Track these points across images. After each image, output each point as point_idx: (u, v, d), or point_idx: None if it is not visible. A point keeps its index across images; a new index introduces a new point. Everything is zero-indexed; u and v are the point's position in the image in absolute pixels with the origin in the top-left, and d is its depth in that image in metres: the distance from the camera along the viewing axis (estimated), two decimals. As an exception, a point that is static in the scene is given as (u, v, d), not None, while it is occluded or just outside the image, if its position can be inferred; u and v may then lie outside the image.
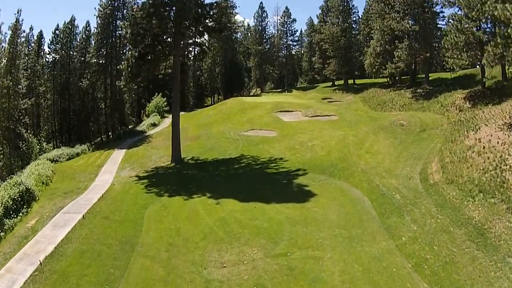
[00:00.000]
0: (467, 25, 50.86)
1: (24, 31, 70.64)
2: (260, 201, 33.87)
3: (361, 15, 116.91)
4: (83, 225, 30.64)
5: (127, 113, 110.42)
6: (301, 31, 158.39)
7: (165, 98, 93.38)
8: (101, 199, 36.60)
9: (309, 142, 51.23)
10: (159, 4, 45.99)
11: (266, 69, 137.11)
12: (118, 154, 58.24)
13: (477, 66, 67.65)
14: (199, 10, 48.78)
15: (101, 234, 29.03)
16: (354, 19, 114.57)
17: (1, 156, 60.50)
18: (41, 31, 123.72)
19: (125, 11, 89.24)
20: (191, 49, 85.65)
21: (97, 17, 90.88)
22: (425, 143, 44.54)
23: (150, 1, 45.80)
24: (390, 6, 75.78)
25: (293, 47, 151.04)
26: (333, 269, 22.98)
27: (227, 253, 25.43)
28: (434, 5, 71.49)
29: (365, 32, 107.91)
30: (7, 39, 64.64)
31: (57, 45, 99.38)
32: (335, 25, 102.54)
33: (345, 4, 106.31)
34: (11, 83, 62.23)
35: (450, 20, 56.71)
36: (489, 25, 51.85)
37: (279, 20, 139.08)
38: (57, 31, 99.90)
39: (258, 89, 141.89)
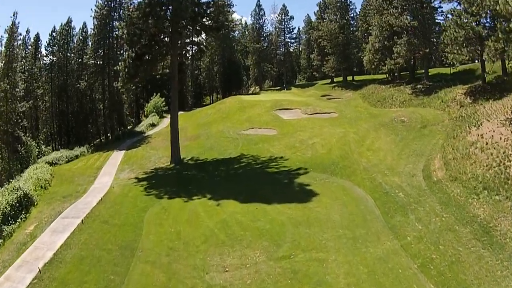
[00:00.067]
0: (466, 20, 50.44)
1: (20, 34, 70.35)
2: (262, 201, 33.44)
3: (359, 12, 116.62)
4: (82, 230, 30.20)
5: (125, 114, 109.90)
6: (298, 28, 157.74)
7: (163, 98, 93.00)
8: (100, 202, 36.16)
9: (309, 140, 50.81)
10: (155, 4, 45.53)
11: (265, 67, 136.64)
12: (117, 156, 57.79)
13: (476, 61, 67.37)
14: (196, 9, 48.30)
15: (101, 239, 28.58)
16: (352, 15, 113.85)
17: (0, 160, 60.07)
18: (37, 33, 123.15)
19: (121, 11, 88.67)
20: (188, 48, 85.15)
21: (93, 18, 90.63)
22: (427, 139, 44.19)
23: (146, 1, 45.34)
24: (388, 2, 75.45)
25: (291, 45, 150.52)
26: (337, 271, 22.55)
27: (229, 257, 25.00)
28: (432, 0, 71.27)
29: (363, 29, 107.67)
30: (3, 42, 64.29)
31: (54, 47, 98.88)
32: (333, 22, 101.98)
33: (343, 0, 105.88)
34: (8, 86, 61.65)
35: (449, 15, 56.44)
36: (488, 20, 51.52)
37: (277, 17, 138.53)
38: (53, 33, 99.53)
39: (256, 87, 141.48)
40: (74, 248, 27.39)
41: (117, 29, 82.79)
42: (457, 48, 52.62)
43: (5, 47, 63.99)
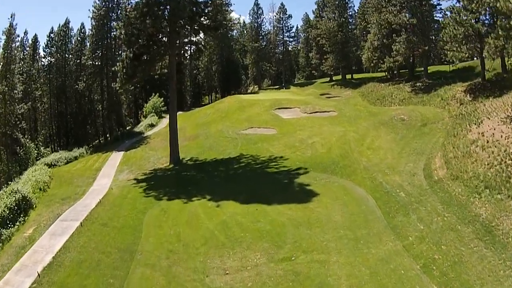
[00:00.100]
0: (466, 18, 50.20)
1: (18, 36, 69.91)
2: (262, 202, 33.21)
3: (357, 10, 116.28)
4: (81, 233, 29.95)
5: (124, 114, 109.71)
6: (297, 27, 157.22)
7: (162, 98, 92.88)
8: (99, 204, 35.90)
9: (309, 139, 50.56)
10: (153, 4, 45.32)
11: (263, 66, 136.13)
12: (116, 157, 57.58)
13: (475, 58, 67.20)
14: (194, 8, 48.04)
15: (100, 242, 28.34)
16: (350, 13, 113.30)
17: (-1, 162, 60.04)
18: (35, 34, 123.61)
19: (119, 12, 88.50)
20: (187, 48, 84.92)
21: (91, 18, 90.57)
22: (427, 137, 43.98)
23: (144, 1, 45.16)
24: (386, 0, 74.99)
25: (290, 43, 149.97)
26: (339, 273, 22.31)
27: (230, 259, 24.77)
28: (431, -2, 70.90)
29: (361, 27, 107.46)
30: (1, 44, 64.16)
31: (52, 48, 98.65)
32: (331, 20, 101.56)
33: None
34: (7, 88, 61.46)
35: (448, 13, 56.18)
36: (487, 17, 51.46)
37: (275, 16, 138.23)
38: (51, 34, 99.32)
39: (255, 86, 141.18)
40: (73, 251, 27.16)
41: (115, 30, 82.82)
42: (457, 45, 52.46)
43: (3, 49, 63.89)
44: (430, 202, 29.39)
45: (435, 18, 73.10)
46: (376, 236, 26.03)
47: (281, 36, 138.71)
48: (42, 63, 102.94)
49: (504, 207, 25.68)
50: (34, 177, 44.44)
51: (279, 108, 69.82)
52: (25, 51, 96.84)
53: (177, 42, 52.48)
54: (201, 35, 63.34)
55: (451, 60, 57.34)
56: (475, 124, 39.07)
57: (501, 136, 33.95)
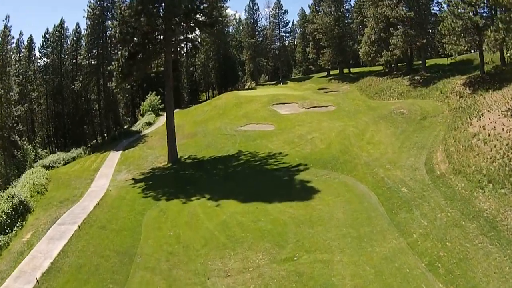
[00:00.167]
0: (463, 10, 49.82)
1: (13, 37, 69.55)
2: (262, 200, 32.83)
3: (354, 4, 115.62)
4: (79, 236, 29.47)
5: (121, 113, 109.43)
6: (293, 22, 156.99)
7: (159, 96, 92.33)
8: (97, 207, 35.42)
9: (308, 135, 50.22)
10: (147, 1, 44.83)
11: (260, 62, 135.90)
12: (114, 157, 57.14)
13: (472, 52, 66.82)
14: (189, 5, 47.50)
15: (98, 246, 27.86)
16: (347, 7, 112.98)
17: (-3, 165, 59.57)
18: (31, 36, 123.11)
19: (114, 11, 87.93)
20: (183, 45, 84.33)
21: (86, 18, 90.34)
22: (427, 131, 43.58)
23: (138, -1, 44.62)
24: (383, -7, 74.50)
25: (286, 39, 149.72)
26: (343, 273, 21.88)
27: (231, 260, 24.34)
28: (428, -9, 70.51)
29: (358, 21, 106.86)
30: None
31: (48, 49, 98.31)
32: (327, 15, 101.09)
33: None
34: (3, 90, 60.93)
35: (444, 5, 55.83)
36: (485, 10, 50.99)
37: (271, 12, 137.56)
38: (47, 35, 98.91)
39: (252, 82, 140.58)
40: (72, 256, 26.67)
41: (110, 29, 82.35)
42: (455, 38, 52.01)
43: (-2, 51, 63.35)
44: (433, 198, 28.96)
45: (432, 11, 72.89)
46: (380, 234, 25.58)
47: (278, 32, 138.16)
48: (38, 64, 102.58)
49: (508, 201, 25.28)
50: (31, 180, 43.92)
51: (277, 104, 69.62)
52: (20, 52, 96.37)
53: (173, 39, 52.00)
54: (197, 32, 62.90)
55: (449, 53, 56.91)
56: (476, 117, 38.68)
57: (503, 129, 33.57)
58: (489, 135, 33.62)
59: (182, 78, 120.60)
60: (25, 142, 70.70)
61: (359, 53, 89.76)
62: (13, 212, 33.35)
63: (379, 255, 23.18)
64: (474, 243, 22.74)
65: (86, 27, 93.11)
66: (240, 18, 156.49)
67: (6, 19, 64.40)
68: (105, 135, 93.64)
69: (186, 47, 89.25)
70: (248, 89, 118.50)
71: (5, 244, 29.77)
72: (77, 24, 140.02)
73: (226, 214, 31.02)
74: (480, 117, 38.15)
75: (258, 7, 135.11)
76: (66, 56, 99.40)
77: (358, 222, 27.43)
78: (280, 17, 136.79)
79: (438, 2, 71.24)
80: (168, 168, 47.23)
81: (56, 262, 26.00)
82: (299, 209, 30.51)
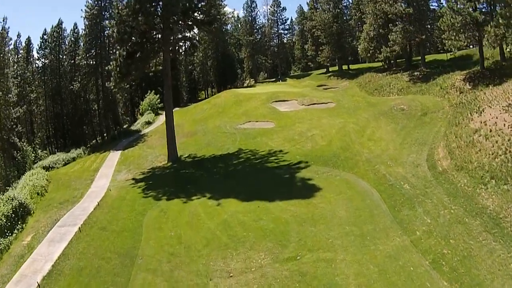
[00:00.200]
0: (463, 6, 49.64)
1: (11, 39, 69.14)
2: (263, 199, 32.65)
3: (352, 0, 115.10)
4: (80, 238, 29.18)
5: (121, 113, 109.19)
6: (291, 19, 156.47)
7: (158, 95, 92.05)
8: (97, 207, 35.12)
9: (308, 132, 50.03)
10: (145, 0, 44.50)
11: (259, 59, 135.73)
12: (114, 156, 56.86)
13: (471, 47, 66.59)
14: (187, 3, 47.27)
15: (99, 248, 27.59)
16: (345, 4, 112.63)
17: (-2, 167, 59.29)
18: (29, 37, 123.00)
19: (111, 10, 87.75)
20: (181, 44, 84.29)
21: (84, 18, 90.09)
22: (428, 127, 43.42)
23: (135, -2, 44.36)
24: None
25: (285, 36, 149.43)
26: (347, 272, 21.69)
27: (233, 261, 24.13)
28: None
29: (356, 17, 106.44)
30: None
31: (46, 50, 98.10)
32: (326, 12, 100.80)
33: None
34: (1, 92, 60.56)
35: (443, 1, 55.61)
36: (485, 5, 50.78)
37: (269, 9, 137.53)
38: (45, 36, 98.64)
39: (251, 80, 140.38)
40: (73, 258, 26.39)
41: (108, 28, 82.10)
42: (454, 34, 51.79)
43: (-4, 53, 62.99)
44: (435, 194, 28.78)
45: (430, 7, 72.60)
46: (383, 232, 25.40)
47: (276, 29, 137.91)
48: (36, 65, 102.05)
49: (511, 198, 25.12)
50: (31, 181, 43.60)
51: (276, 101, 69.40)
52: (18, 54, 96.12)
53: (171, 38, 51.73)
54: (195, 30, 62.76)
55: (449, 49, 56.68)
56: (477, 112, 38.49)
57: (504, 125, 33.40)
58: (490, 131, 33.46)
59: (181, 76, 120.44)
60: (24, 144, 70.35)
61: (358, 49, 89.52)
62: (13, 215, 33.00)
63: (383, 253, 23.00)
64: (477, 240, 22.59)
65: (84, 27, 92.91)
66: (238, 16, 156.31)
67: (3, 20, 63.81)
68: (105, 135, 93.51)
69: (185, 45, 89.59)
70: (247, 86, 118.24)
71: (6, 247, 29.43)
72: (75, 24, 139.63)
73: (228, 213, 30.82)
74: (481, 113, 37.94)
75: (256, 4, 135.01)
76: (64, 57, 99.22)
77: (360, 220, 27.25)
78: (278, 15, 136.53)
79: (437, -3, 71.03)
80: (168, 167, 47.01)
81: (57, 265, 25.73)
82: (301, 207, 30.32)
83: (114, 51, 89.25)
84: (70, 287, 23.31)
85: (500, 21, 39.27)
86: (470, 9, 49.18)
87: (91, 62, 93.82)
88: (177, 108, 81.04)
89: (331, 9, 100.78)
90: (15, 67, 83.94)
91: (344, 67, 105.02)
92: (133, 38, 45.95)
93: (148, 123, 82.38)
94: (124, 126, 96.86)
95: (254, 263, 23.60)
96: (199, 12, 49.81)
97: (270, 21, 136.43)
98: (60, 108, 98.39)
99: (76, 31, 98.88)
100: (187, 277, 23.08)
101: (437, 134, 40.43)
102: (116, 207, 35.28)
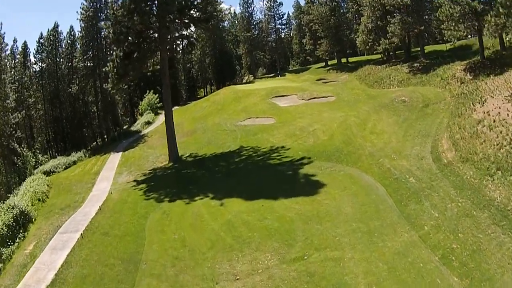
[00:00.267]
0: (461, -5, 49.14)
1: (7, 44, 68.87)
2: (267, 197, 32.10)
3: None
4: (82, 245, 28.72)
5: (120, 114, 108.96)
6: (288, 14, 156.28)
7: (157, 95, 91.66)
8: (99, 212, 34.63)
9: (309, 127, 49.54)
10: (140, 0, 44.04)
11: (257, 55, 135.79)
12: (114, 158, 56.49)
13: (470, 36, 66.05)
14: (183, 1, 46.75)
15: (102, 254, 27.12)
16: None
17: (-2, 174, 58.98)
18: (25, 41, 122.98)
19: (107, 11, 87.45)
20: (178, 42, 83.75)
21: (80, 20, 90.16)
22: (431, 118, 42.97)
23: (130, -3, 43.89)
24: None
25: (282, 31, 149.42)
26: (356, 270, 21.20)
27: (239, 263, 23.64)
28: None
29: (353, 10, 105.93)
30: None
31: (43, 54, 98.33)
32: (323, 5, 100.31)
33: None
34: (-1, 99, 60.25)
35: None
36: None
37: (266, 4, 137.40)
38: (41, 40, 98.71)
39: (250, 76, 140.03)
40: (76, 266, 25.92)
41: (104, 29, 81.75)
42: (454, 24, 51.33)
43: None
44: (442, 187, 28.27)
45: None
46: (390, 227, 24.86)
47: (273, 24, 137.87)
48: (34, 69, 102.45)
49: (518, 189, 24.66)
50: (32, 188, 43.22)
51: (276, 97, 69.06)
52: (15, 59, 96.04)
53: (168, 37, 51.36)
54: (192, 28, 62.26)
55: (448, 39, 56.20)
56: (479, 103, 38.04)
57: (508, 115, 32.92)
58: (494, 121, 33.01)
59: (179, 75, 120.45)
60: (24, 149, 70.02)
61: (357, 42, 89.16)
62: (14, 224, 32.54)
63: (391, 250, 22.50)
64: (486, 233, 22.13)
65: (80, 30, 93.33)
66: (234, 13, 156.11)
67: (-2, 26, 63.47)
68: (105, 136, 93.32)
69: (182, 44, 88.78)
70: (246, 83, 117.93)
71: (8, 257, 28.99)
72: (71, 27, 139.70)
73: (231, 214, 30.34)
74: (483, 103, 37.50)
75: (252, 0, 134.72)
76: (61, 60, 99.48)
77: (367, 216, 26.73)
78: (275, 10, 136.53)
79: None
80: (170, 168, 46.58)
81: (60, 273, 25.26)
82: (306, 204, 29.79)
83: (111, 52, 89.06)
84: (74, 296, 22.91)
85: (501, 10, 38.81)
86: (469, -1, 48.67)
87: (89, 64, 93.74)
88: (176, 107, 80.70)
89: (328, 3, 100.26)
90: (12, 72, 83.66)
91: (343, 60, 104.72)
92: (129, 38, 45.53)
93: (148, 123, 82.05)
94: (124, 127, 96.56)
95: (261, 264, 23.12)
96: (196, 10, 49.29)
97: (267, 16, 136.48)
98: (59, 111, 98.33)
99: (72, 33, 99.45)
100: (192, 281, 22.60)
101: (440, 125, 39.95)
102: (118, 210, 34.82)
